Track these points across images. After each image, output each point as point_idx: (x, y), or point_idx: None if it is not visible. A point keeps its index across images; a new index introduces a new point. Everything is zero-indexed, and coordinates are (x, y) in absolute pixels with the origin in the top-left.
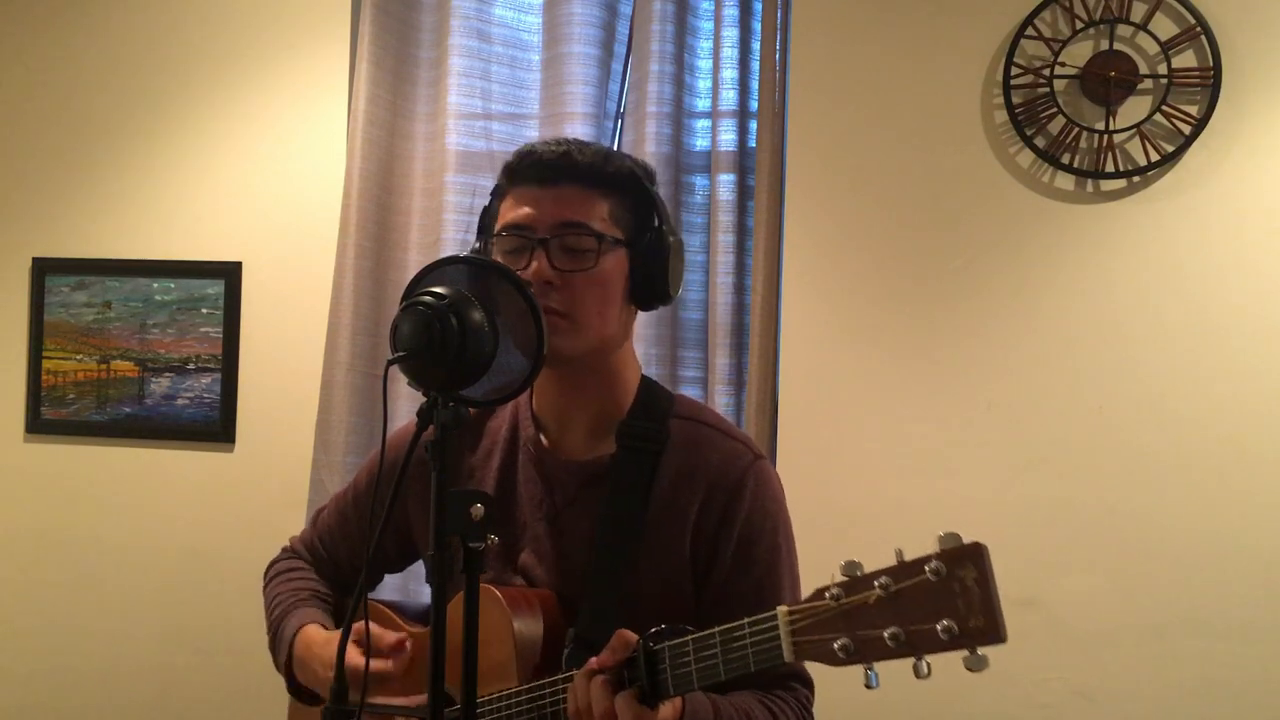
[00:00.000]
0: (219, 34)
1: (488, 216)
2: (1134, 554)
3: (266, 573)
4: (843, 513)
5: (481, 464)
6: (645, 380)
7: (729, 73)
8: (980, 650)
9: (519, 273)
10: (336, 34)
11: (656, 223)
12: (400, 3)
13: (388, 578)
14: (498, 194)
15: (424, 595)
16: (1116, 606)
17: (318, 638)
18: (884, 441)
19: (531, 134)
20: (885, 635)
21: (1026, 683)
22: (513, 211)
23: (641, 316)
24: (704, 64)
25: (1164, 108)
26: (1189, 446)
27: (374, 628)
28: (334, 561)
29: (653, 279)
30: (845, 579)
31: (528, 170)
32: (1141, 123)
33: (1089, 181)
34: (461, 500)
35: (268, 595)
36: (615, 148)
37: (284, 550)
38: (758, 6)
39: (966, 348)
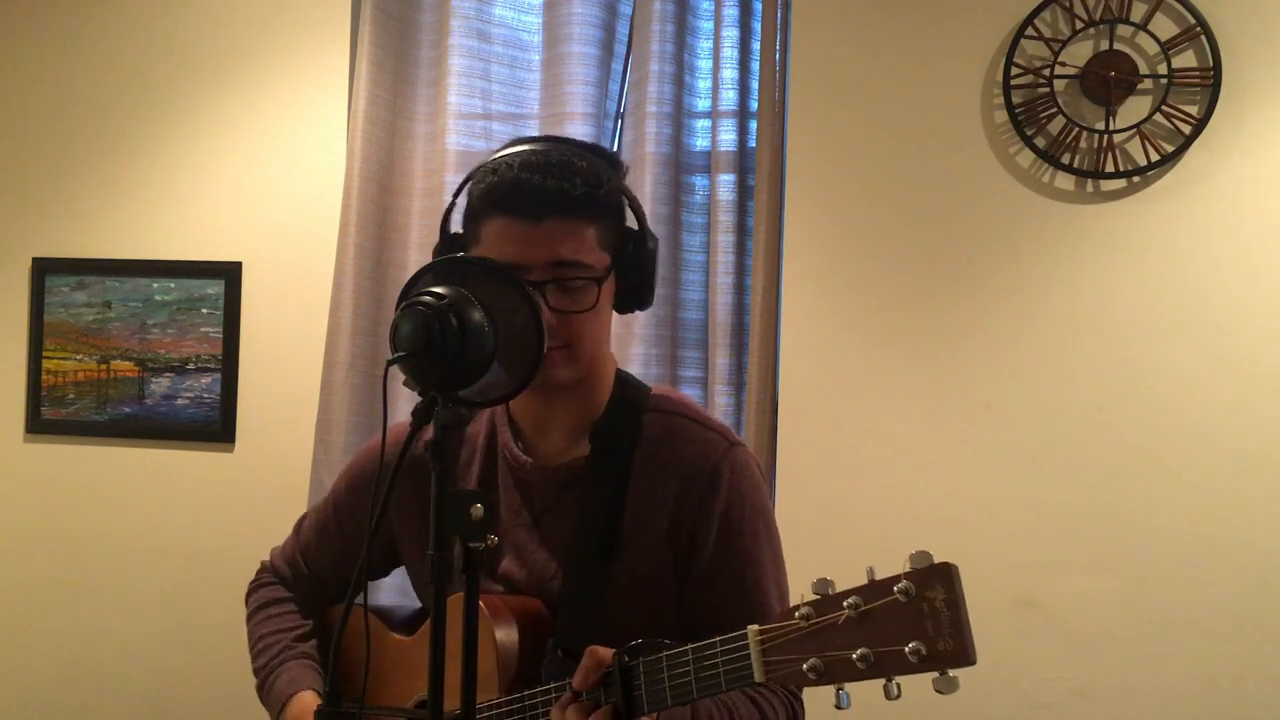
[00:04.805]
0: (219, 34)
1: (449, 225)
2: (1134, 554)
3: (248, 599)
4: (842, 512)
5: (463, 472)
6: (620, 376)
7: (729, 73)
8: (951, 673)
9: None
10: (336, 34)
11: (638, 230)
12: (400, 3)
13: (385, 581)
14: (475, 216)
15: (412, 599)
16: (1116, 606)
17: (311, 711)
18: (884, 441)
19: (531, 134)
20: (854, 657)
21: (1026, 683)
22: (498, 247)
23: (640, 316)
24: (704, 64)
25: (1164, 108)
26: (1189, 446)
27: None
28: (315, 575)
29: (638, 289)
30: (816, 597)
31: (515, 201)
32: (1141, 123)
33: (1089, 181)
34: (461, 500)
35: (252, 633)
36: (615, 148)
37: (263, 568)
38: (758, 6)
39: (966, 348)
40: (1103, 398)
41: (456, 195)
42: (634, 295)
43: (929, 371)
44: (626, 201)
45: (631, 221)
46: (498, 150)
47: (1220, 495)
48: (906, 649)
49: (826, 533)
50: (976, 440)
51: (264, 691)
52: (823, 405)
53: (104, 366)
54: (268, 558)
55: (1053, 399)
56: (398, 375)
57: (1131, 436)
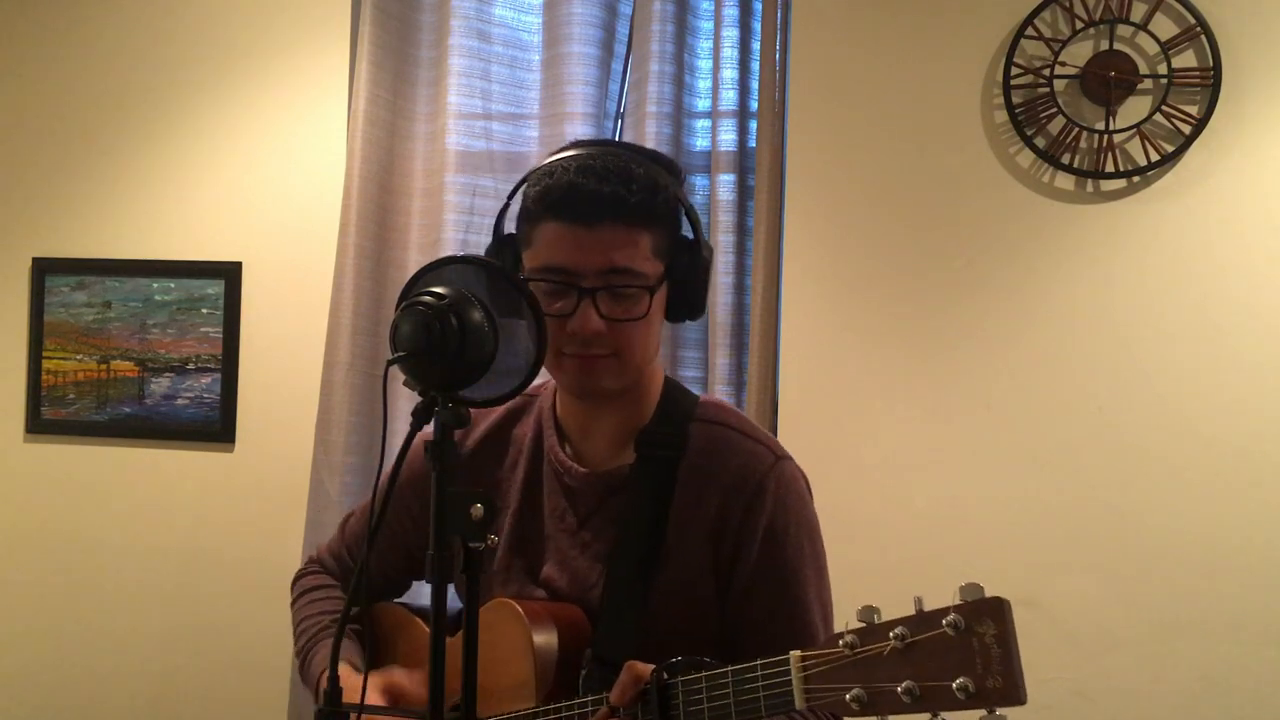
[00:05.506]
0: (219, 34)
1: (503, 226)
2: (1134, 554)
3: (293, 587)
4: (842, 513)
5: (508, 476)
6: (668, 383)
7: (729, 73)
8: (999, 711)
9: (561, 319)
10: (336, 34)
11: (693, 239)
12: (400, 3)
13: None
14: (529, 218)
15: (454, 599)
16: (1116, 606)
17: (345, 683)
18: (884, 441)
19: (531, 134)
20: (899, 689)
21: (1026, 683)
22: (550, 251)
23: None
24: (704, 64)
25: (1164, 108)
26: (1189, 446)
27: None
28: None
29: (690, 299)
30: (861, 625)
31: (570, 205)
32: (1141, 123)
33: (1089, 181)
34: (461, 500)
35: (295, 616)
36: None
37: (309, 561)
38: (758, 6)
39: (966, 348)
40: (1103, 398)
41: (511, 196)
42: (686, 305)
43: (929, 371)
44: (683, 210)
45: (687, 230)
46: (555, 152)
47: (1220, 495)
48: (954, 685)
49: (826, 533)
50: (976, 440)
51: (304, 671)
52: (823, 405)
53: (104, 366)
54: (314, 553)
55: (1053, 399)
56: (398, 375)
57: (1131, 436)
